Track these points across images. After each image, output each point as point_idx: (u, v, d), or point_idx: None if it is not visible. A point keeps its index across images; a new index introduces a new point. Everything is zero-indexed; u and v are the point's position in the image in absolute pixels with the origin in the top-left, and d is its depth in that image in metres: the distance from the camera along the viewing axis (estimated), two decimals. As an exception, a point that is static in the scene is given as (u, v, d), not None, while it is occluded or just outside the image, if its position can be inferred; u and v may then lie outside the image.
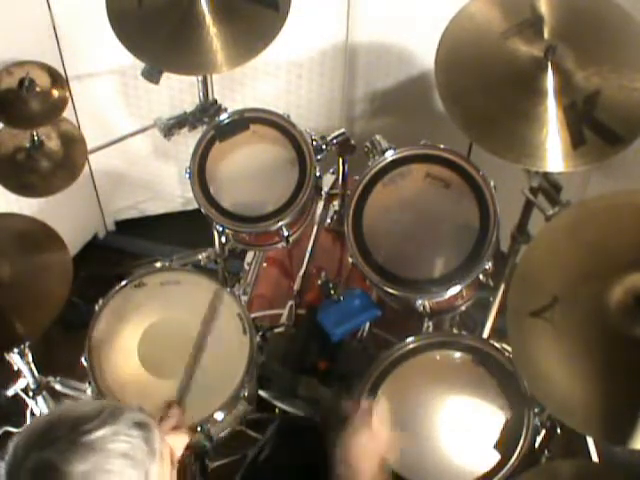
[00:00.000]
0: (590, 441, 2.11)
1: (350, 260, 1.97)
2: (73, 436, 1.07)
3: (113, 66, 2.53)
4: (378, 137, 2.11)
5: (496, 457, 1.69)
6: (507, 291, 2.13)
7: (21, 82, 2.11)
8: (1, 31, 2.17)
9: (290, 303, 2.34)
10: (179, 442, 1.24)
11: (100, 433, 1.08)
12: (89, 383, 1.90)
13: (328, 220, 2.51)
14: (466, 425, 1.79)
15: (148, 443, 1.12)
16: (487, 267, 1.91)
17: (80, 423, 1.09)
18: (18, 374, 2.12)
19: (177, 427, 1.50)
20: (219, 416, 1.85)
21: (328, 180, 2.49)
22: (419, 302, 1.94)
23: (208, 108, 2.31)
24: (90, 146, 2.39)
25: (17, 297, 1.86)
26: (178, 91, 2.60)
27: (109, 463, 1.07)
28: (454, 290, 1.92)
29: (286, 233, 2.09)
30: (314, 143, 2.12)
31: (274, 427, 2.03)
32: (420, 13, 2.39)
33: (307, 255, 2.44)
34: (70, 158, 2.30)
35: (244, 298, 2.40)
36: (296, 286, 2.40)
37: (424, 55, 2.44)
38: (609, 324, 1.40)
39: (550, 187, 1.88)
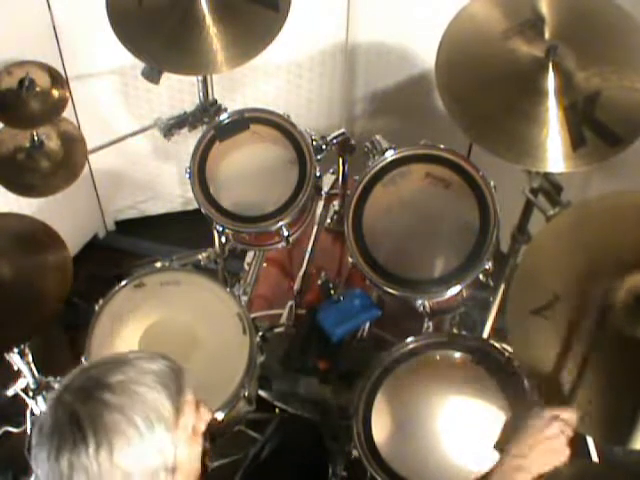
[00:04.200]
0: (590, 441, 2.10)
1: (350, 260, 1.97)
2: (114, 359, 1.21)
3: (113, 66, 2.53)
4: (378, 137, 2.11)
5: (496, 457, 1.69)
6: (507, 291, 2.13)
7: (21, 82, 2.11)
8: (1, 31, 2.17)
9: (290, 303, 2.34)
10: (204, 412, 1.28)
11: (137, 355, 1.22)
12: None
13: (328, 220, 2.51)
14: (466, 425, 1.79)
15: (176, 376, 1.22)
16: (487, 267, 1.91)
17: (121, 355, 1.23)
18: (18, 374, 2.11)
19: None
20: (219, 416, 1.85)
21: (328, 180, 2.50)
22: (419, 302, 1.94)
23: (208, 108, 2.31)
24: (90, 146, 2.39)
25: (17, 297, 1.86)
26: (178, 91, 2.60)
27: (143, 377, 1.17)
28: (454, 290, 1.92)
29: (286, 233, 2.09)
30: (314, 143, 2.12)
31: (274, 427, 2.03)
32: (420, 13, 2.39)
33: (307, 255, 2.44)
34: (70, 158, 2.29)
35: (244, 298, 2.40)
36: (296, 286, 2.40)
37: (424, 55, 2.45)
38: (610, 323, 1.40)
39: (550, 187, 1.88)
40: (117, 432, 1.11)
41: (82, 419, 1.11)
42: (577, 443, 1.37)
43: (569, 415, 1.38)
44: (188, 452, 1.20)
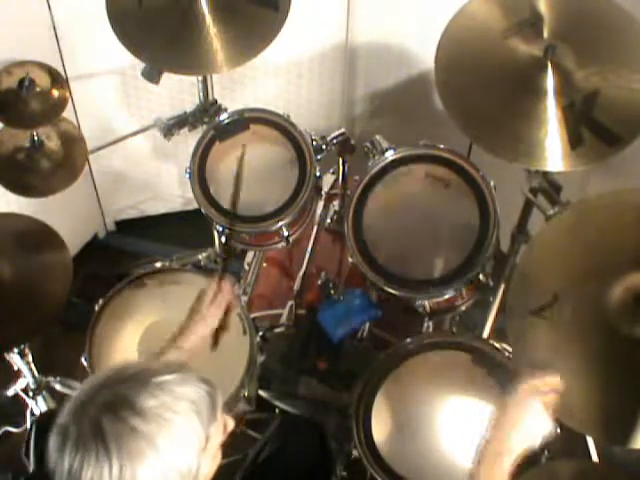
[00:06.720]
0: (590, 441, 2.11)
1: (350, 260, 1.97)
2: (144, 376, 1.13)
3: (113, 66, 2.53)
4: (378, 137, 2.11)
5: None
6: (507, 291, 2.13)
7: (21, 82, 2.11)
8: (1, 31, 2.17)
9: (290, 303, 2.34)
10: (229, 425, 1.25)
11: (170, 377, 1.14)
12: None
13: (328, 220, 2.51)
14: (466, 425, 1.79)
15: (212, 400, 1.17)
16: (487, 267, 1.91)
17: (150, 368, 1.15)
18: (18, 374, 2.12)
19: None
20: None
21: (328, 180, 2.49)
22: (419, 302, 1.94)
23: (208, 108, 2.31)
24: (90, 146, 2.39)
25: (17, 297, 1.86)
26: (178, 91, 2.60)
27: (176, 405, 1.11)
28: (454, 290, 1.92)
29: (286, 233, 2.09)
30: (314, 143, 2.12)
31: (274, 427, 2.02)
32: (420, 13, 2.39)
33: (307, 255, 2.44)
34: (70, 158, 2.29)
35: (244, 298, 2.40)
36: (296, 286, 2.40)
37: (424, 55, 2.44)
38: (609, 323, 1.40)
39: (550, 187, 1.88)
40: (141, 458, 1.08)
41: (108, 437, 1.07)
42: (577, 442, 1.37)
43: (550, 383, 1.36)
44: (209, 468, 1.19)
